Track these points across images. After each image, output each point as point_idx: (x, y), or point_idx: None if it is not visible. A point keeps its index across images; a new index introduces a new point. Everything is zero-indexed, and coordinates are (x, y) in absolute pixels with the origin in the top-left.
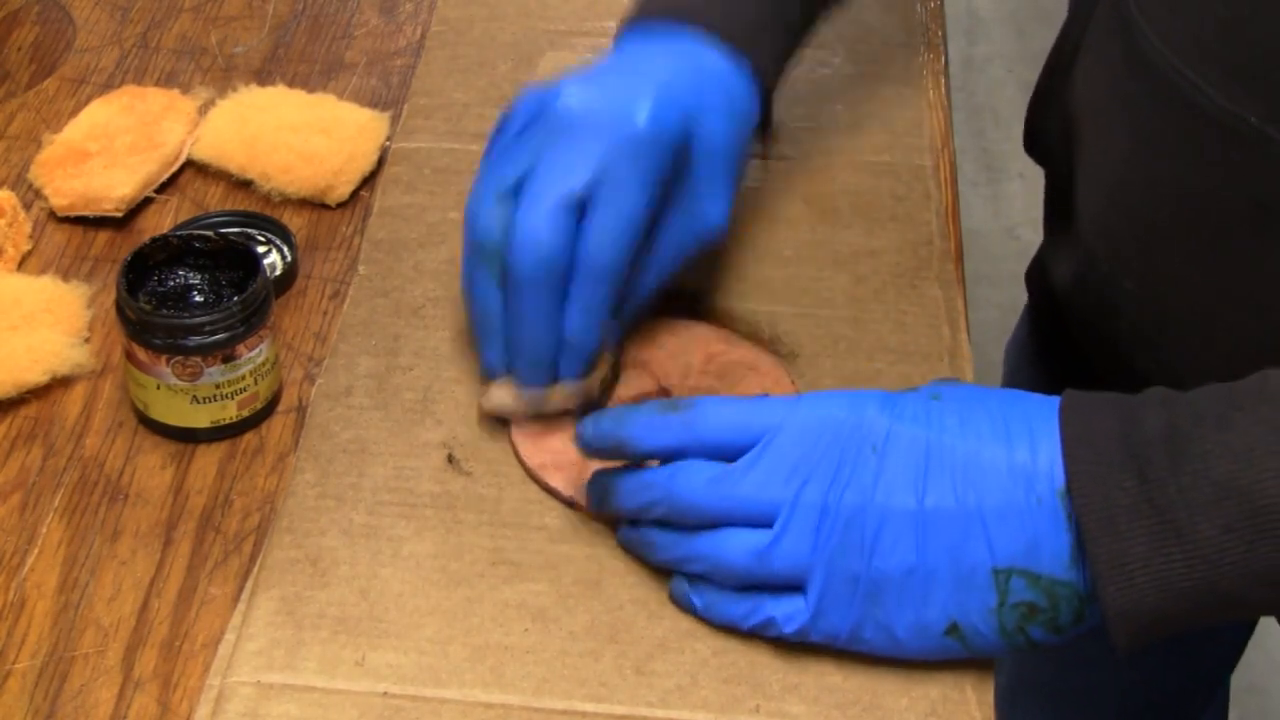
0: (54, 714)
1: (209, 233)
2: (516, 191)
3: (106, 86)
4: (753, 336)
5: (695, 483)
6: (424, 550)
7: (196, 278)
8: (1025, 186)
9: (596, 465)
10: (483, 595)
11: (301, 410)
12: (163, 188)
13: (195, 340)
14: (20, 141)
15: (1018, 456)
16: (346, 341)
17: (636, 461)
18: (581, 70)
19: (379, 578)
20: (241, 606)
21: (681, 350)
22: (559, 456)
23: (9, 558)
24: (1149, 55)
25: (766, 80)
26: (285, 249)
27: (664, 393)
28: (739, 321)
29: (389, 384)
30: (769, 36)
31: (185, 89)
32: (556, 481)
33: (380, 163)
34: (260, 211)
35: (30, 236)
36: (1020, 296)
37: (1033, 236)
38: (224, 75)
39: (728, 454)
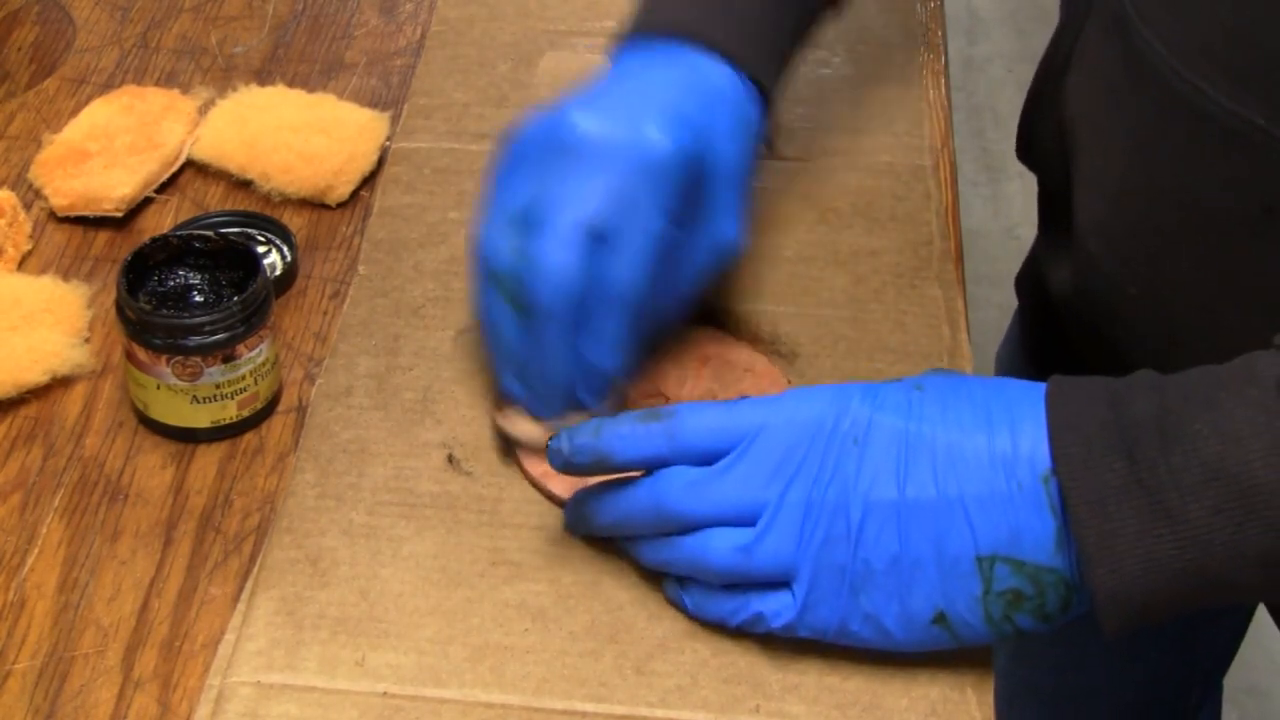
0: (54, 714)
1: (209, 233)
2: (528, 218)
3: (106, 86)
4: (752, 336)
5: (677, 488)
6: (424, 550)
7: (196, 278)
8: (1025, 186)
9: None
10: (483, 595)
11: (301, 410)
12: (163, 188)
13: (195, 340)
14: (20, 141)
15: (999, 443)
16: (346, 341)
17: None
18: (585, 90)
19: (379, 578)
20: (241, 606)
21: (677, 353)
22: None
23: (9, 558)
24: (1150, 60)
25: (768, 91)
26: (285, 249)
27: (660, 397)
28: (739, 321)
29: (389, 384)
30: (768, 46)
31: (185, 89)
32: (558, 488)
33: (380, 163)
34: (260, 211)
35: (30, 236)
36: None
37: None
38: (224, 75)
39: (712, 459)
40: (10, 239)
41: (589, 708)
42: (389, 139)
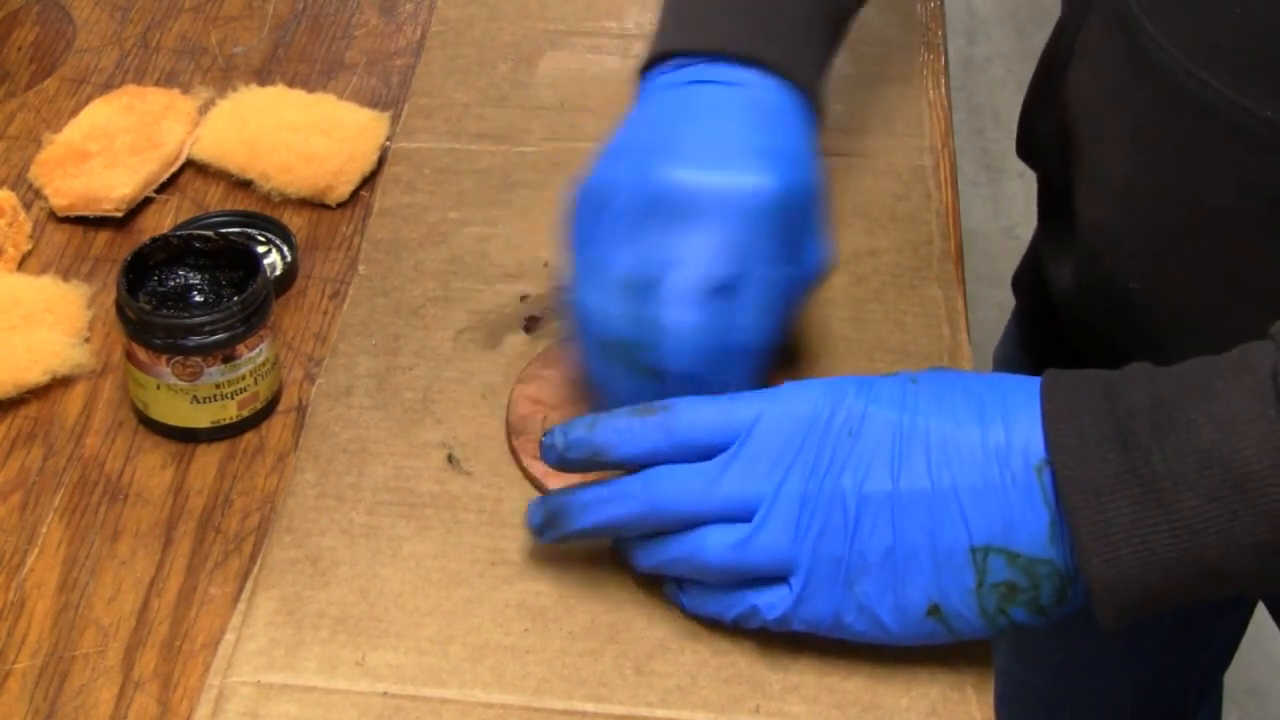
0: (54, 714)
1: (209, 233)
2: (640, 281)
3: (106, 86)
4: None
5: (672, 486)
6: (424, 550)
7: (196, 278)
8: (1025, 186)
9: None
10: (483, 595)
11: (301, 410)
12: (163, 188)
13: (195, 340)
14: (20, 141)
15: (992, 435)
16: (346, 341)
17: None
18: (646, 131)
19: (379, 578)
20: (241, 606)
21: None
22: None
23: (9, 558)
24: (1154, 56)
25: (816, 98)
26: (285, 249)
27: None
28: None
29: (389, 384)
30: (812, 55)
31: (185, 89)
32: (557, 488)
33: (380, 163)
34: (260, 211)
35: (30, 236)
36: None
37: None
38: (224, 75)
39: (708, 454)
40: (10, 239)
41: (589, 708)
42: (389, 139)
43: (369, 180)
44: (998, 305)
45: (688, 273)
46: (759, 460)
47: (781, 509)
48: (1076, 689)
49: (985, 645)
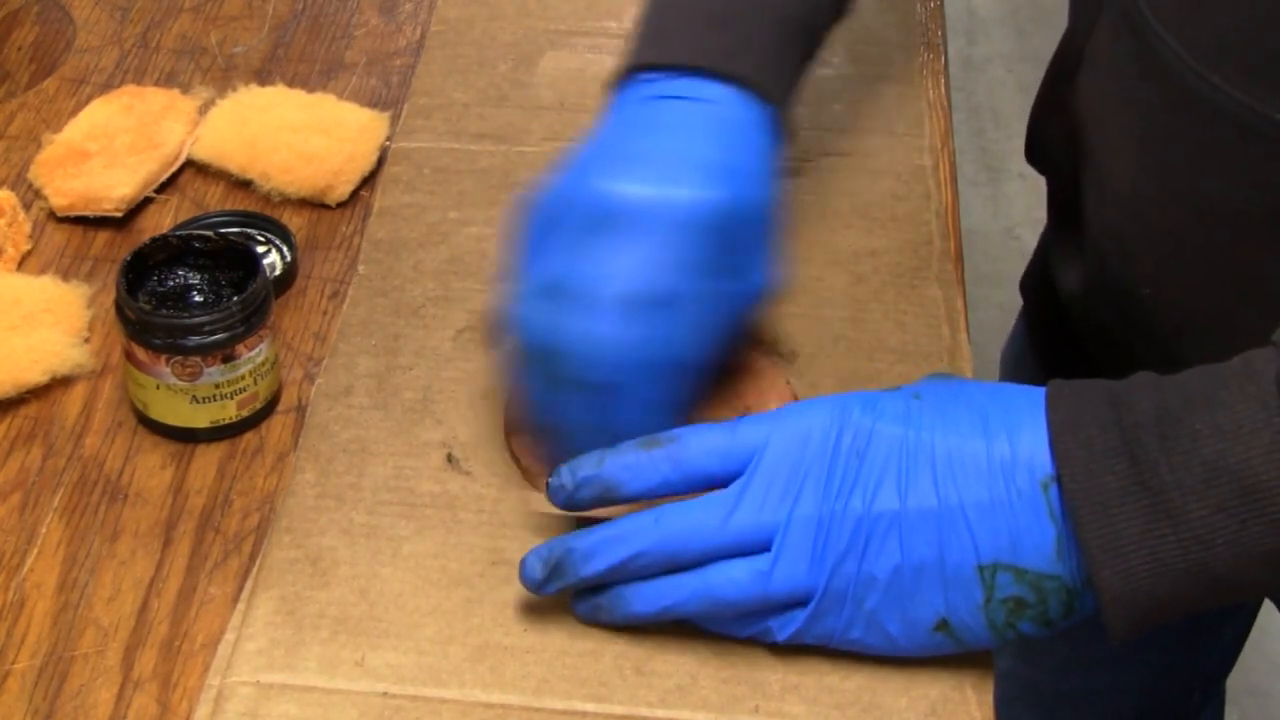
0: (54, 714)
1: (209, 233)
2: (563, 290)
3: (106, 86)
4: (752, 337)
5: (686, 523)
6: (424, 550)
7: (196, 278)
8: (1025, 186)
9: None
10: (483, 595)
11: (301, 410)
12: (163, 188)
13: (195, 340)
14: (20, 141)
15: (997, 450)
16: (346, 341)
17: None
18: (606, 144)
19: (379, 578)
20: (241, 606)
21: (724, 401)
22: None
23: (9, 558)
24: (1165, 59)
25: (784, 113)
26: (285, 249)
27: None
28: None
29: (389, 384)
30: (780, 69)
31: (185, 89)
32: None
33: (380, 163)
34: (260, 211)
35: (30, 236)
36: (1018, 297)
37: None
38: (224, 75)
39: (717, 482)
40: (10, 239)
41: (589, 708)
42: (389, 139)
43: (369, 180)
44: (998, 305)
45: (613, 283)
46: (771, 489)
47: (796, 536)
48: (1080, 690)
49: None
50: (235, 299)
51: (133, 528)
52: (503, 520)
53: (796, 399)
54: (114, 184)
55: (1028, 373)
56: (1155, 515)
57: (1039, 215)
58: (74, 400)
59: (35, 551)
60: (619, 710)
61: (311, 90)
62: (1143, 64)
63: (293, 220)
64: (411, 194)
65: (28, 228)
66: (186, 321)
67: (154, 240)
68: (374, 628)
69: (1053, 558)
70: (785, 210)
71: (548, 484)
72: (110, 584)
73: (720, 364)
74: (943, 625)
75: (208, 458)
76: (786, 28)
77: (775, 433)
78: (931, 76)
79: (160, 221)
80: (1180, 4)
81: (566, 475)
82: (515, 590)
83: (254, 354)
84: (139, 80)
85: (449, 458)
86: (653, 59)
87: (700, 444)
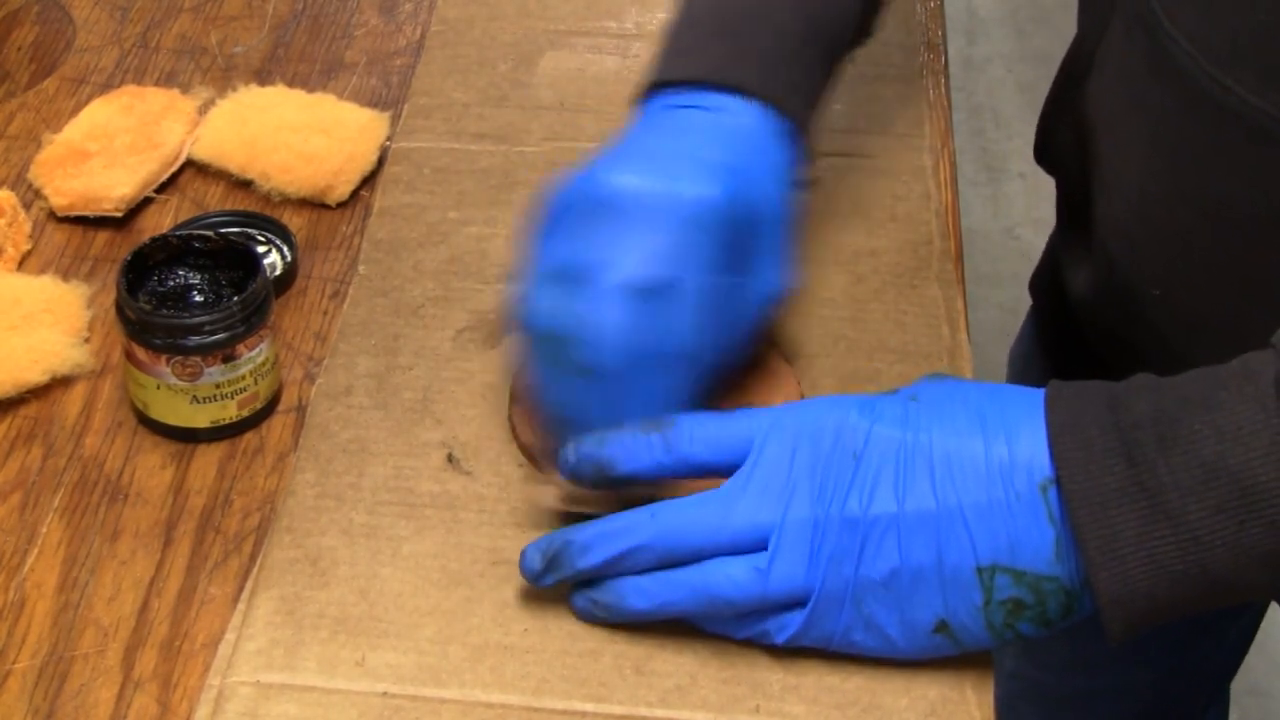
0: (54, 714)
1: (209, 233)
2: (569, 277)
3: (106, 86)
4: (768, 337)
5: (683, 520)
6: (424, 550)
7: (196, 278)
8: (1025, 186)
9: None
10: (483, 595)
11: (301, 410)
12: (163, 188)
13: (195, 340)
14: (20, 141)
15: (995, 452)
16: (346, 341)
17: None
18: (617, 145)
19: (379, 578)
20: (241, 606)
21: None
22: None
23: (9, 558)
24: (1175, 57)
25: (802, 128)
26: (285, 249)
27: None
28: None
29: (389, 384)
30: (798, 86)
31: (185, 89)
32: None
33: (380, 163)
34: (260, 211)
35: (30, 236)
36: (1020, 296)
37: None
38: (224, 75)
39: (711, 472)
40: (10, 239)
41: (589, 708)
42: (389, 139)
43: (369, 180)
44: (998, 305)
45: (617, 271)
46: (768, 489)
47: (792, 537)
48: (1084, 691)
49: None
50: (235, 299)
51: (133, 528)
52: (503, 520)
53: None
54: (114, 184)
55: (1036, 372)
56: (1153, 516)
57: (1039, 215)
58: (74, 400)
59: (35, 551)
60: (619, 710)
61: (311, 90)
62: (1155, 66)
63: (293, 220)
64: (411, 194)
65: (28, 228)
66: (187, 321)
67: (154, 240)
68: (374, 628)
69: (1051, 560)
70: (799, 216)
71: (558, 455)
72: (110, 584)
73: (731, 362)
74: (942, 627)
75: (208, 458)
76: (802, 45)
77: (773, 431)
78: (931, 76)
79: (160, 221)
80: (1194, 6)
81: (571, 450)
82: (515, 590)
83: (254, 354)
84: (139, 80)
85: (449, 458)
86: (671, 75)
87: (695, 431)
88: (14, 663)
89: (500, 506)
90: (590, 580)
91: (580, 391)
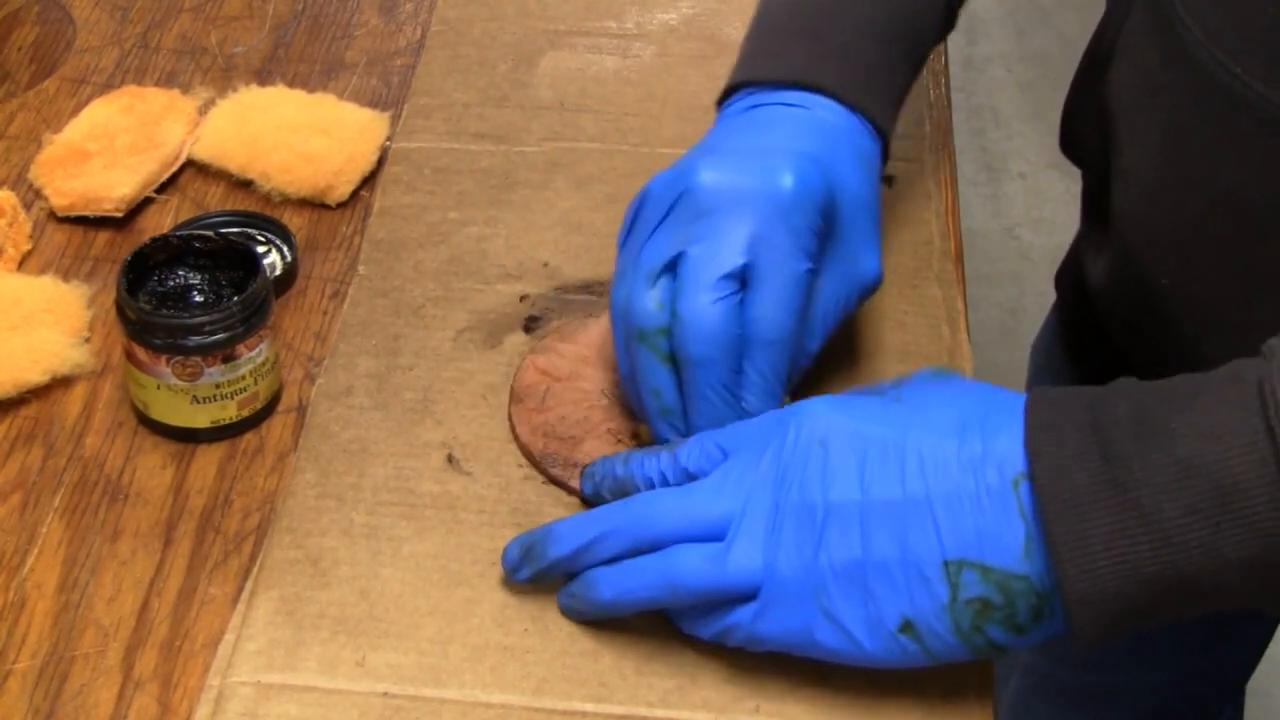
0: (54, 714)
1: (209, 233)
2: (668, 275)
3: (106, 86)
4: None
5: (648, 505)
6: (424, 550)
7: (196, 278)
8: (1025, 186)
9: (590, 444)
10: (483, 595)
11: (301, 410)
12: (163, 188)
13: (195, 340)
14: (20, 141)
15: (969, 447)
16: (346, 341)
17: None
18: (706, 144)
19: (379, 578)
20: (241, 606)
21: None
22: (561, 442)
23: (9, 558)
24: (1189, 49)
25: (884, 131)
26: (285, 249)
27: None
28: None
29: (389, 384)
30: (881, 86)
31: (185, 89)
32: (557, 470)
33: (380, 163)
34: (260, 211)
35: (30, 236)
36: (1019, 297)
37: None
38: (224, 75)
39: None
40: (10, 239)
41: (589, 708)
42: (389, 139)
43: (369, 180)
44: (998, 305)
45: (703, 262)
46: (733, 477)
47: (751, 522)
48: (1098, 687)
49: None
50: (235, 299)
51: (133, 528)
52: (503, 520)
53: None
54: (114, 184)
55: (1057, 365)
56: (1126, 515)
57: (1039, 215)
58: (74, 400)
59: (36, 551)
60: (619, 710)
61: (312, 90)
62: (1168, 52)
63: (293, 220)
64: (411, 194)
65: (28, 228)
66: (187, 321)
67: (154, 240)
68: (374, 628)
69: (1020, 557)
70: (881, 209)
71: (581, 471)
72: (111, 584)
73: (820, 348)
74: (907, 627)
75: (208, 458)
76: (884, 42)
77: (745, 426)
78: (931, 76)
79: (160, 221)
80: None
81: (599, 465)
82: (515, 590)
83: (254, 354)
84: (139, 80)
85: (449, 458)
86: (752, 76)
87: (692, 445)
88: (14, 663)
89: (500, 506)
90: (571, 576)
91: (670, 380)
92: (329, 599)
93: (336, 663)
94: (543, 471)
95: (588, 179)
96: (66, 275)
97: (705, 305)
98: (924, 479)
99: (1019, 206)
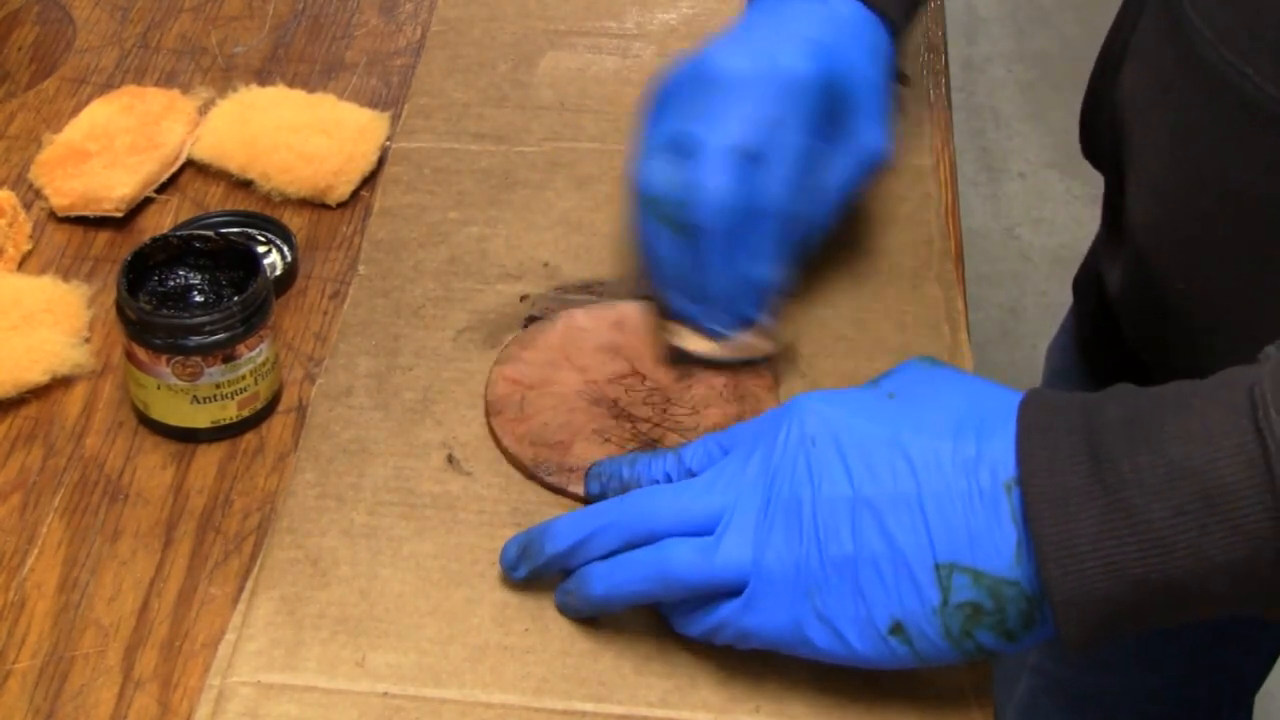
0: (54, 714)
1: (209, 233)
2: (681, 147)
3: (106, 86)
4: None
5: (642, 499)
6: (424, 550)
7: (196, 278)
8: (1025, 186)
9: (580, 447)
10: (483, 595)
11: (301, 410)
12: (163, 188)
13: (195, 340)
14: (20, 141)
15: (962, 448)
16: (346, 341)
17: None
18: (726, 33)
19: (379, 578)
20: (241, 606)
21: (700, 379)
22: (550, 449)
23: (9, 558)
24: (1200, 49)
25: (896, 29)
26: (285, 249)
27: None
28: None
29: (389, 384)
30: None
31: (185, 89)
32: (554, 477)
33: (380, 163)
34: (260, 211)
35: (30, 236)
36: (1019, 297)
37: (1032, 237)
38: (224, 75)
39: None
40: (10, 239)
41: (589, 708)
42: (389, 139)
43: (369, 180)
44: (998, 305)
45: (717, 139)
46: (728, 473)
47: (741, 516)
48: (1106, 689)
49: None
50: (236, 299)
51: (133, 528)
52: (503, 520)
53: None
54: (114, 184)
55: (1072, 367)
56: (1113, 516)
57: (1039, 215)
58: (74, 400)
59: (36, 551)
60: (619, 710)
61: (311, 90)
62: (1179, 55)
63: (293, 220)
64: (411, 194)
65: (28, 228)
66: (187, 321)
67: (154, 240)
68: (374, 628)
69: (1011, 562)
70: (893, 95)
71: (581, 474)
72: (111, 584)
73: (825, 225)
74: (898, 629)
75: (208, 458)
76: None
77: (747, 426)
78: (931, 76)
79: (160, 221)
80: None
81: (605, 465)
82: (515, 590)
83: (254, 354)
84: (139, 80)
85: (449, 458)
86: None
87: (696, 445)
88: (14, 663)
89: (500, 506)
90: (568, 574)
91: (685, 249)
92: (329, 599)
93: (336, 663)
94: (538, 480)
95: (588, 179)
96: (66, 275)
97: (712, 177)
98: (916, 478)
99: (1019, 206)
